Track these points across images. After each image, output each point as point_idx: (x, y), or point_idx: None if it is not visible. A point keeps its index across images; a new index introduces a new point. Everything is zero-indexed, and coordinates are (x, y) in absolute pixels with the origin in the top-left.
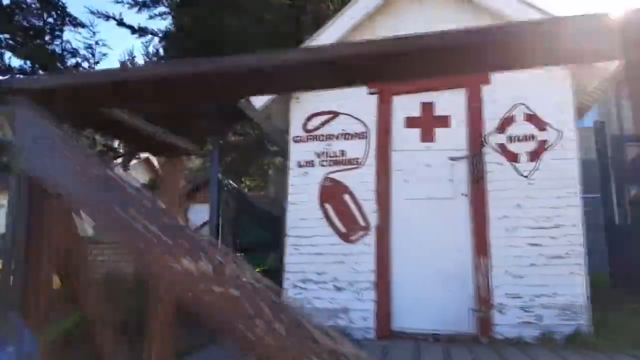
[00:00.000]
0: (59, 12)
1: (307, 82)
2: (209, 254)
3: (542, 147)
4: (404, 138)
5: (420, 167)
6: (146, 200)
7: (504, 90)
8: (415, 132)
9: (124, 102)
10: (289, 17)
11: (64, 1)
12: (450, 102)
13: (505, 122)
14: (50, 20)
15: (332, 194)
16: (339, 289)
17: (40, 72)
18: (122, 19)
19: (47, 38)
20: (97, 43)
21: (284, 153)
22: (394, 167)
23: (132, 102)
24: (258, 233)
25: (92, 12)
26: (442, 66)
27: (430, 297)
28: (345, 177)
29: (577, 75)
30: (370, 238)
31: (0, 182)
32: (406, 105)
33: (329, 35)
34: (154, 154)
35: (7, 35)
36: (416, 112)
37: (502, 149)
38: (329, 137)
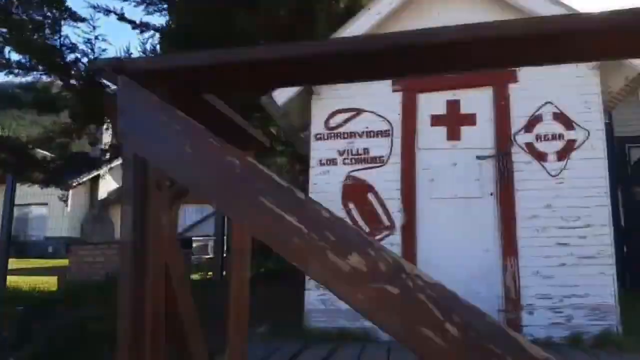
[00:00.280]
0: (58, 5)
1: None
2: (362, 248)
3: (571, 146)
4: (430, 136)
5: (447, 166)
6: (286, 190)
7: (531, 89)
8: (441, 130)
9: (242, 85)
10: (303, 13)
11: None
12: (476, 100)
13: (533, 121)
14: (50, 14)
15: (355, 192)
16: None
17: (40, 67)
18: (123, 14)
19: (47, 32)
20: (96, 38)
21: (293, 152)
22: (419, 165)
23: (245, 84)
24: None
25: (92, 7)
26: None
27: None
28: (369, 175)
29: (604, 75)
30: (395, 238)
31: None
32: (431, 103)
33: (353, 31)
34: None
35: (4, 30)
36: (442, 110)
37: (530, 148)
38: (352, 134)
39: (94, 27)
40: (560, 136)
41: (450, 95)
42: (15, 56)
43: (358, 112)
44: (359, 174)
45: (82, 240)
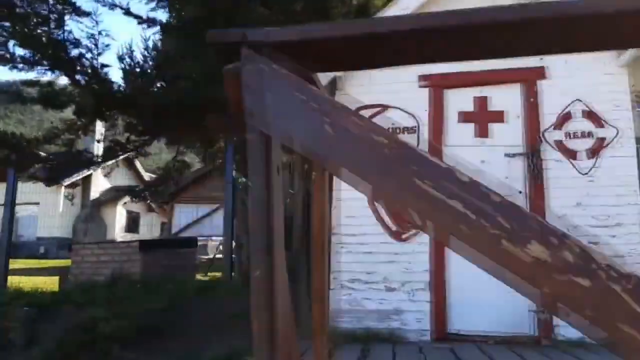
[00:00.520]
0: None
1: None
2: (543, 236)
3: (601, 144)
4: (457, 133)
5: (475, 163)
6: (446, 171)
7: (560, 86)
8: (469, 127)
9: (381, 58)
10: (319, 9)
11: None
12: (505, 97)
13: (563, 119)
14: (55, 7)
15: None
16: (390, 289)
17: (45, 62)
18: (128, 8)
19: (52, 26)
20: (100, 33)
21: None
22: (447, 162)
23: (387, 57)
24: None
25: (96, 1)
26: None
27: (487, 298)
28: None
29: (634, 73)
30: (423, 237)
31: None
32: (459, 99)
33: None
34: None
35: (7, 24)
36: (470, 107)
37: (560, 146)
38: None
39: (97, 22)
40: (590, 134)
41: (477, 91)
42: (19, 51)
43: (384, 108)
44: None
45: (75, 241)
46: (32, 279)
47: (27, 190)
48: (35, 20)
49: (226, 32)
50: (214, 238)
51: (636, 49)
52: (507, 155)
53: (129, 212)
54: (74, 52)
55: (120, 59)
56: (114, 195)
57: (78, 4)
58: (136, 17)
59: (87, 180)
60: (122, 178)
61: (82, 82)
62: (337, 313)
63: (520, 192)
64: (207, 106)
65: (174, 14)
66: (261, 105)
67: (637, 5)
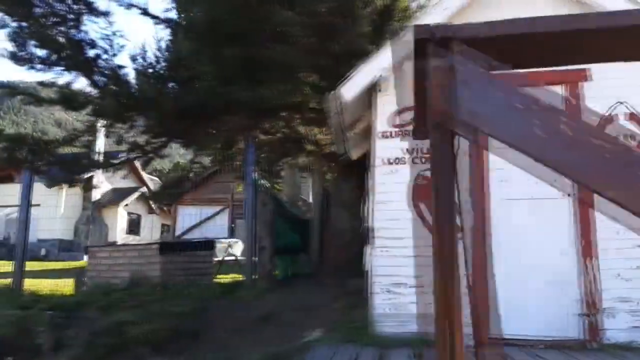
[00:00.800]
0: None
1: None
2: None
3: None
4: None
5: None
6: None
7: (603, 89)
8: None
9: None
10: (344, 10)
11: None
12: (547, 99)
13: (606, 121)
14: (72, 7)
15: (427, 193)
16: None
17: (63, 63)
18: (146, 9)
19: (69, 25)
20: (114, 34)
21: (331, 152)
22: (491, 165)
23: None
24: (290, 236)
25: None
26: None
27: (531, 302)
28: None
29: None
30: (469, 240)
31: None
32: None
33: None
34: None
35: (25, 24)
36: None
37: None
38: None
39: (110, 23)
40: (633, 137)
41: None
42: (38, 52)
43: None
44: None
45: (75, 243)
46: (42, 282)
47: None
48: (53, 20)
49: (415, 27)
50: (222, 240)
51: None
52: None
53: (129, 214)
54: (91, 52)
55: (133, 59)
56: (115, 197)
57: (95, 4)
58: (153, 17)
59: (88, 182)
60: (124, 180)
61: (100, 83)
62: (381, 317)
63: (569, 195)
64: (229, 107)
65: (190, 13)
66: (457, 101)
67: None
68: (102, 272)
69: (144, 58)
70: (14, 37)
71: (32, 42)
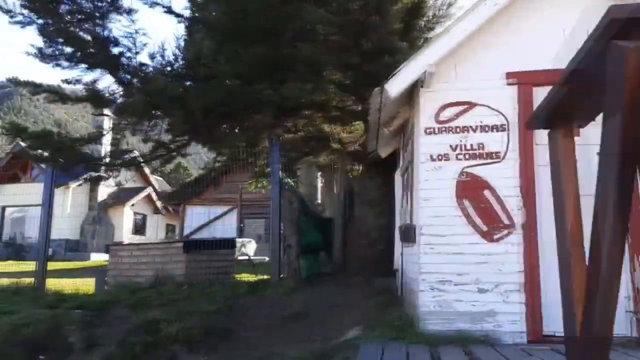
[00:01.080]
0: None
1: None
2: None
3: None
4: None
5: None
6: None
7: None
8: None
9: None
10: (376, 7)
11: None
12: None
13: None
14: (97, 4)
15: (471, 189)
16: (482, 290)
17: (89, 60)
18: (170, 7)
19: (96, 22)
20: (137, 32)
21: (360, 150)
22: (538, 161)
23: None
24: (313, 235)
25: None
26: None
27: None
28: (485, 171)
29: None
30: (515, 237)
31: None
32: None
33: (472, 21)
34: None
35: (50, 20)
36: None
37: None
38: (465, 129)
39: (133, 21)
40: None
41: None
42: (65, 49)
43: (470, 105)
44: (475, 170)
45: (81, 242)
46: (61, 281)
47: (34, 191)
48: (78, 17)
49: (611, 7)
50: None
51: None
52: (599, 154)
53: (135, 214)
54: (115, 50)
55: (152, 57)
56: (122, 196)
57: (119, 1)
58: (177, 15)
59: (94, 182)
60: (130, 180)
61: (126, 81)
62: (427, 315)
63: None
64: (252, 106)
65: (205, 12)
66: None
67: None
68: (123, 271)
69: (162, 56)
70: (42, 32)
71: (60, 40)
